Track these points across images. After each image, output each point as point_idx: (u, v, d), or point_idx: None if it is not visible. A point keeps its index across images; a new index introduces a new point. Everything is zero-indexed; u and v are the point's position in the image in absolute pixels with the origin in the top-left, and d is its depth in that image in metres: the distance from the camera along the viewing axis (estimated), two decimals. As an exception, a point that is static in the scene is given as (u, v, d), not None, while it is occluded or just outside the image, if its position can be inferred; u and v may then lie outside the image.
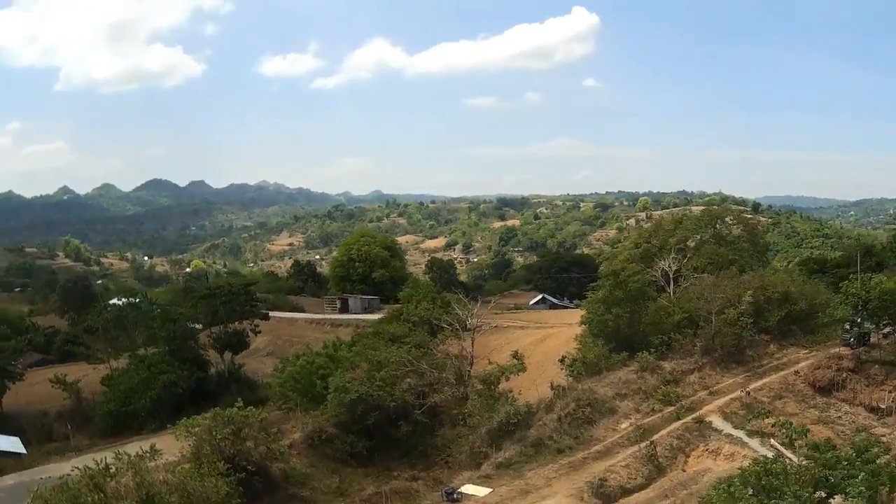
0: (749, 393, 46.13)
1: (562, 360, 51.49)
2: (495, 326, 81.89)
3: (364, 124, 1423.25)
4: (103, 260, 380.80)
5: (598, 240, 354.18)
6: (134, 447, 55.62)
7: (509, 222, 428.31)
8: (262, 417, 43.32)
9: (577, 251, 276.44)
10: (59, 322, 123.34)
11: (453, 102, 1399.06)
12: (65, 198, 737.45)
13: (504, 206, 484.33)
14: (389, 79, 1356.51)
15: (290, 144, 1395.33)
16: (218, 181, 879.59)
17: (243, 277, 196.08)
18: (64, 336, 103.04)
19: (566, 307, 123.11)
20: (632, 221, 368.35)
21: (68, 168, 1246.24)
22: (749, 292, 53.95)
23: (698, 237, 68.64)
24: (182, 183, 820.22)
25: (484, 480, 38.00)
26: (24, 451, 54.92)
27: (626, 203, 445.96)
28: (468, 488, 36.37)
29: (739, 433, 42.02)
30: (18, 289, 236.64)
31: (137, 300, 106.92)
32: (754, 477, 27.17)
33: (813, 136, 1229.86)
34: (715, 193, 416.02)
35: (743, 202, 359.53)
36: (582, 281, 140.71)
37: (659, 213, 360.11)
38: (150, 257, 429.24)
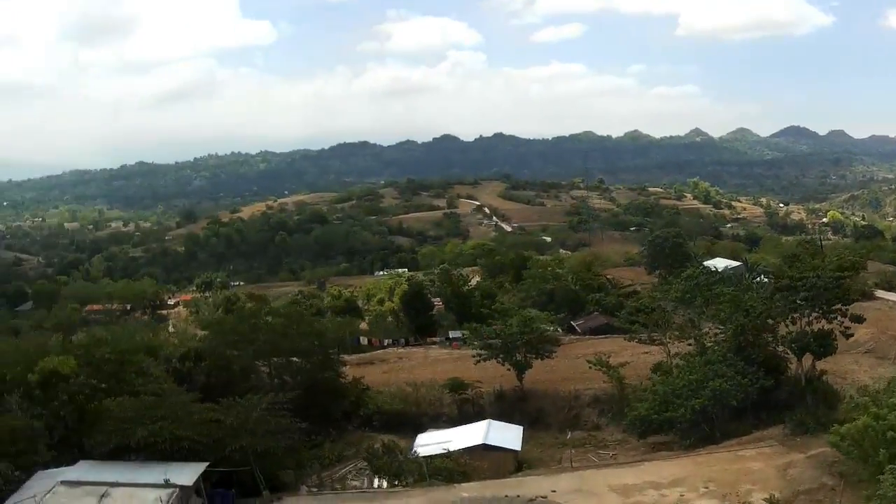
0: None
1: None
2: None
3: None
4: (735, 204, 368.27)
5: None
6: (648, 469, 45.85)
7: None
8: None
9: None
10: (645, 279, 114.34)
11: None
12: (696, 140, 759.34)
13: None
14: None
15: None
16: (858, 132, 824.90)
17: (874, 240, 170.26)
18: (627, 311, 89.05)
19: None
20: None
21: (700, 111, 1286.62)
22: None
23: None
24: (821, 132, 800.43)
25: None
26: (517, 447, 49.77)
27: None
28: None
29: None
30: (634, 228, 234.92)
31: (732, 267, 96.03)
32: None
33: None
34: None
35: None
36: None
37: None
38: (786, 204, 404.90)
